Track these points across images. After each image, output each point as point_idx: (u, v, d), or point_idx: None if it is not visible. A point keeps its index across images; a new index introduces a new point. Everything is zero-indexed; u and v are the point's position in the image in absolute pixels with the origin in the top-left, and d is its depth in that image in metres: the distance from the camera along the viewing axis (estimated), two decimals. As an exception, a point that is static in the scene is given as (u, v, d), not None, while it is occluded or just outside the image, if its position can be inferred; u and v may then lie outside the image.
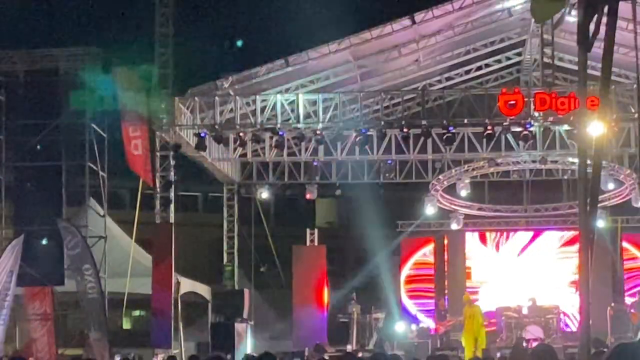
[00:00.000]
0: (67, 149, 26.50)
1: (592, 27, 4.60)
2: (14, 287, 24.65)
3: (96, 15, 57.62)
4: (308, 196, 33.43)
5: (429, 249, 36.31)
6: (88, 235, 25.96)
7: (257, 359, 10.44)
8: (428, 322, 34.03)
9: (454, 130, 28.00)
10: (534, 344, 25.59)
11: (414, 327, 32.67)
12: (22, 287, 25.98)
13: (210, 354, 14.00)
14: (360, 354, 24.85)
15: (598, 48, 4.86)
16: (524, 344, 26.42)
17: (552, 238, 35.49)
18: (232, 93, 28.96)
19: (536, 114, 26.92)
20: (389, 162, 32.17)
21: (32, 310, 26.17)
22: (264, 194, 33.86)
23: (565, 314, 32.41)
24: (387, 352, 27.07)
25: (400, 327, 32.94)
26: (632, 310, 30.05)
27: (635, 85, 26.83)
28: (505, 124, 27.39)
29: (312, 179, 33.07)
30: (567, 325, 32.79)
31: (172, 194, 29.12)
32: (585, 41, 4.12)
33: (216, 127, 27.97)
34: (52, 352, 25.44)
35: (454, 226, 35.12)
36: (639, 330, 28.84)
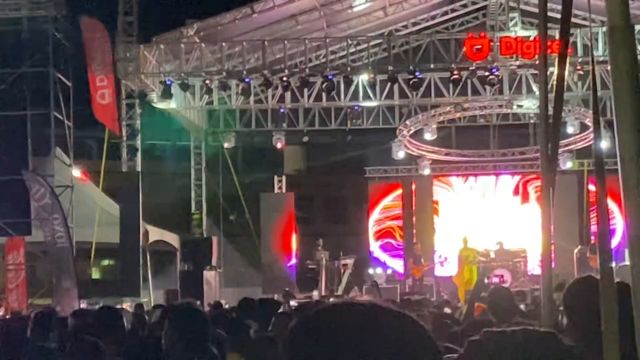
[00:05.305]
0: (32, 98, 26.26)
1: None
2: None
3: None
4: (277, 144, 33.43)
5: (396, 194, 36.42)
6: (55, 185, 25.84)
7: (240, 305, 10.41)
8: (397, 267, 34.27)
9: (420, 76, 28.03)
10: (494, 280, 25.99)
11: (389, 271, 33.14)
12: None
13: (182, 300, 13.94)
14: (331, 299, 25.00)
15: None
16: (486, 280, 26.96)
17: (520, 182, 35.72)
18: (197, 40, 28.80)
19: (502, 58, 27.00)
20: (356, 107, 32.16)
21: (10, 261, 26.11)
22: (231, 142, 33.83)
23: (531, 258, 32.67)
24: (355, 298, 27.32)
25: (371, 272, 33.17)
26: (588, 255, 29.65)
27: (602, 29, 26.88)
28: (471, 68, 27.46)
29: (279, 126, 33.02)
30: (534, 268, 33.02)
31: (138, 143, 29.03)
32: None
33: (182, 74, 27.84)
34: (23, 301, 25.39)
35: (422, 172, 35.26)
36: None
